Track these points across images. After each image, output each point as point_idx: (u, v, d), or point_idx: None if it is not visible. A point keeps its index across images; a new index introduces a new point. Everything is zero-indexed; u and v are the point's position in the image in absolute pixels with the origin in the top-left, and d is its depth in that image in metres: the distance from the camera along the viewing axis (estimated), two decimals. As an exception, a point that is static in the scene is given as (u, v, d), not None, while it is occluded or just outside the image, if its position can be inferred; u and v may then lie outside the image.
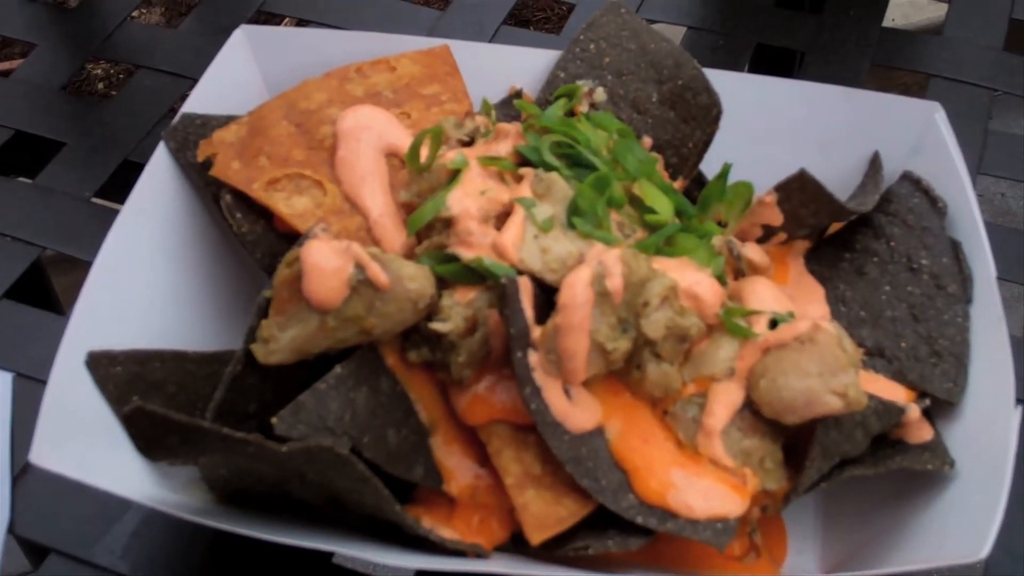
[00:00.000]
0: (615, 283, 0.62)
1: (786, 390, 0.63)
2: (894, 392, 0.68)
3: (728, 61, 1.01)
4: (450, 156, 0.70)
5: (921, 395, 0.68)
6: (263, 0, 1.10)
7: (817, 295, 0.74)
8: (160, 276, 0.73)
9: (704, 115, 0.78)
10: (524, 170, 0.69)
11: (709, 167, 0.78)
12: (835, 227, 0.77)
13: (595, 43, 0.82)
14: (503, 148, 0.71)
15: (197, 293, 0.75)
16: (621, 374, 0.65)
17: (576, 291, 0.62)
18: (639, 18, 0.84)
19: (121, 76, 1.89)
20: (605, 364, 0.62)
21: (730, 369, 0.65)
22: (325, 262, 0.61)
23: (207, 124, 0.77)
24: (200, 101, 0.78)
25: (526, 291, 0.62)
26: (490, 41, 1.02)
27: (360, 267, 0.61)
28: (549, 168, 0.70)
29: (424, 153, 0.70)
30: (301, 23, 1.09)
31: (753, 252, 0.73)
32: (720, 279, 0.68)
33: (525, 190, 0.67)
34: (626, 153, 0.72)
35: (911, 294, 0.72)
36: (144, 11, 2.04)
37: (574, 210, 0.67)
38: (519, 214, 0.66)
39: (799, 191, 0.72)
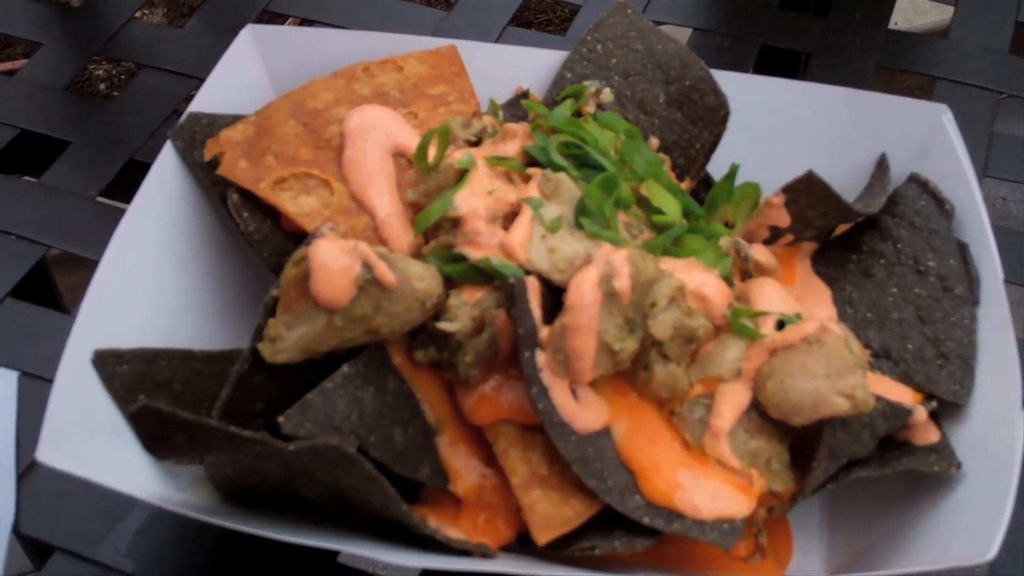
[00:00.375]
0: (623, 283, 0.62)
1: (793, 391, 0.63)
2: (901, 394, 0.68)
3: (733, 63, 1.01)
4: (457, 156, 0.70)
5: (928, 397, 0.68)
6: (268, 0, 1.10)
7: (824, 296, 0.74)
8: (167, 275, 0.73)
9: (711, 116, 0.78)
10: (532, 170, 0.69)
11: (716, 168, 0.78)
12: (842, 228, 0.77)
13: (602, 44, 0.82)
14: (510, 148, 0.71)
15: (204, 292, 0.75)
16: (628, 375, 0.65)
17: (584, 291, 0.62)
18: (646, 19, 0.84)
19: (123, 77, 1.89)
20: (612, 364, 0.62)
21: (737, 370, 0.65)
22: (332, 261, 0.61)
23: (214, 123, 0.77)
24: (207, 100, 0.78)
25: (534, 291, 0.62)
26: (496, 42, 1.02)
27: (367, 266, 0.61)
28: (557, 168, 0.70)
29: (431, 153, 0.70)
30: (305, 23, 1.09)
31: (760, 253, 0.73)
32: (727, 280, 0.68)
33: (533, 190, 0.67)
34: (633, 154, 0.72)
35: (918, 296, 0.72)
36: (147, 12, 2.04)
37: (582, 210, 0.67)
38: (527, 214, 0.66)
39: (806, 192, 0.72)
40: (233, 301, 0.76)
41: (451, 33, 1.03)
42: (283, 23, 1.52)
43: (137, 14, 1.10)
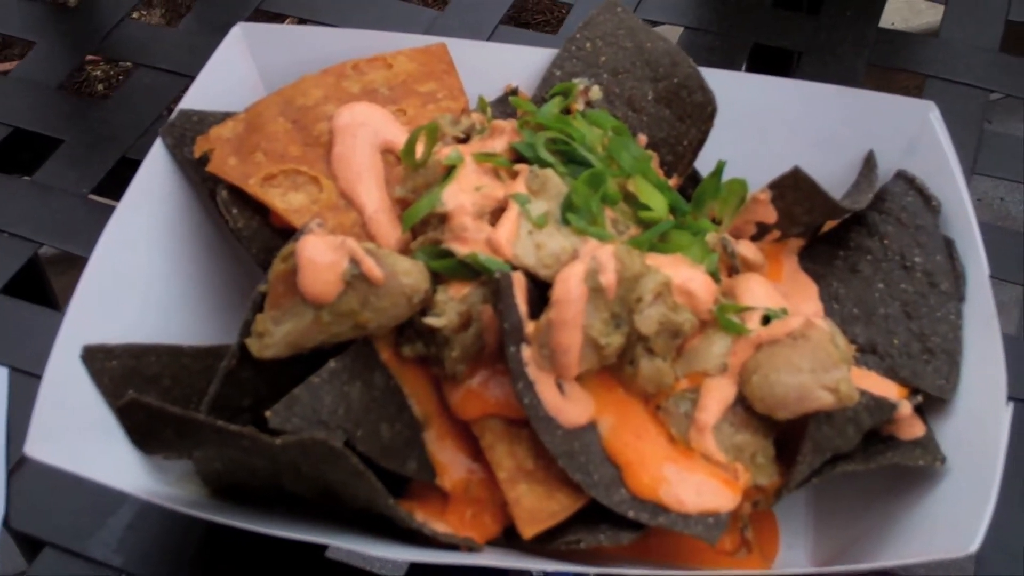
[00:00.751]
0: (609, 279, 0.62)
1: (778, 386, 0.63)
2: (886, 388, 0.68)
3: (725, 61, 1.01)
4: (445, 152, 0.70)
5: (913, 392, 0.68)
6: (261, -1, 1.10)
7: (810, 292, 0.74)
8: (156, 271, 0.73)
9: (699, 113, 0.78)
10: (519, 166, 0.69)
11: (704, 165, 0.78)
12: (829, 225, 0.77)
13: (591, 41, 0.82)
14: (498, 145, 0.72)
15: (193, 288, 0.75)
16: (614, 369, 0.65)
17: (570, 286, 0.62)
18: (636, 17, 0.84)
19: (120, 77, 1.90)
20: (598, 359, 0.63)
21: (723, 365, 0.66)
22: (320, 257, 0.62)
23: (204, 120, 0.77)
24: (197, 97, 0.78)
25: (520, 286, 0.63)
26: (488, 41, 1.02)
27: (355, 262, 0.62)
28: (544, 164, 0.70)
29: (420, 149, 0.71)
30: (300, 23, 1.09)
31: (747, 249, 0.73)
32: (714, 276, 0.69)
33: (520, 186, 0.68)
34: (621, 150, 0.72)
35: (904, 292, 0.72)
36: (144, 12, 2.05)
37: (568, 206, 0.67)
38: (514, 210, 0.66)
39: (793, 189, 0.72)
40: (222, 297, 0.76)
41: (443, 31, 1.03)
42: (280, 23, 1.52)
43: (135, 14, 1.11)
